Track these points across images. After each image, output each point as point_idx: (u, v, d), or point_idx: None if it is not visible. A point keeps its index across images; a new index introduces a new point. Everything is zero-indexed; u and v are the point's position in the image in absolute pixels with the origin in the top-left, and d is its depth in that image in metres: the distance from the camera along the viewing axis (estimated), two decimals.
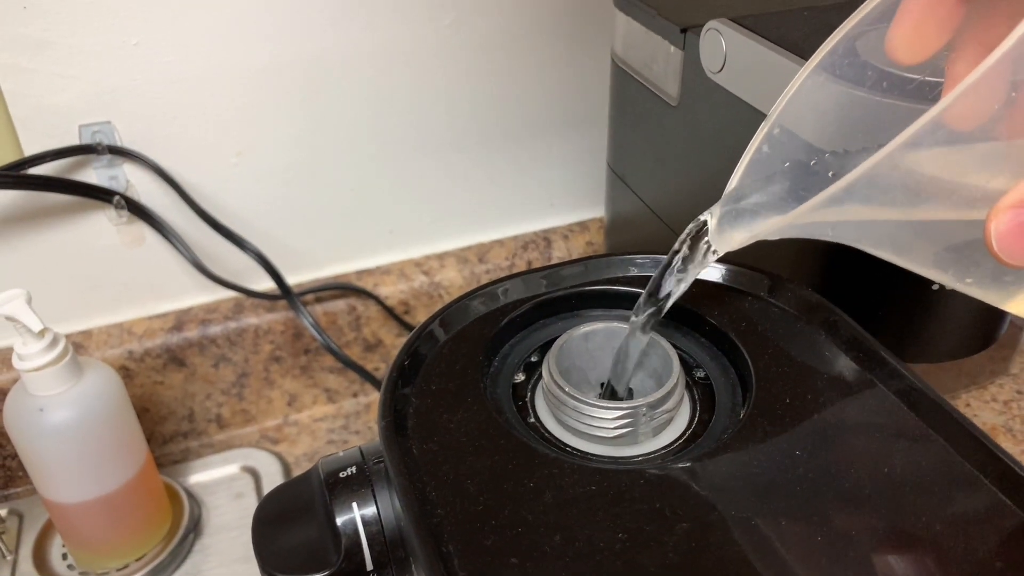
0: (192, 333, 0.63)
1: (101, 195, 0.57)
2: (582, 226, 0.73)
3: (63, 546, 0.57)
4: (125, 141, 0.57)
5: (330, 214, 0.65)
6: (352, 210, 0.65)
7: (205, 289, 0.64)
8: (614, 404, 0.29)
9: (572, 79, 0.66)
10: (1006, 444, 0.63)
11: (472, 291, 0.35)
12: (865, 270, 0.38)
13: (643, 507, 0.26)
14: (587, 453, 0.30)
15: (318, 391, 0.68)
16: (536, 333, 0.35)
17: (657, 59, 0.48)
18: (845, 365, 0.31)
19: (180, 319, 0.63)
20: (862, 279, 0.38)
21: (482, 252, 0.70)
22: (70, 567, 0.56)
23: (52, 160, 0.55)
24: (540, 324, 0.36)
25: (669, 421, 0.31)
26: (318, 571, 0.28)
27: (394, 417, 0.29)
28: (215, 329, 0.63)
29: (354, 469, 0.29)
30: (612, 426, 0.30)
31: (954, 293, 0.37)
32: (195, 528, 0.59)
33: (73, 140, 0.56)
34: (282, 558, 0.28)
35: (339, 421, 0.68)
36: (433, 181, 0.67)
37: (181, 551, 0.57)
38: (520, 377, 0.33)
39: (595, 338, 0.33)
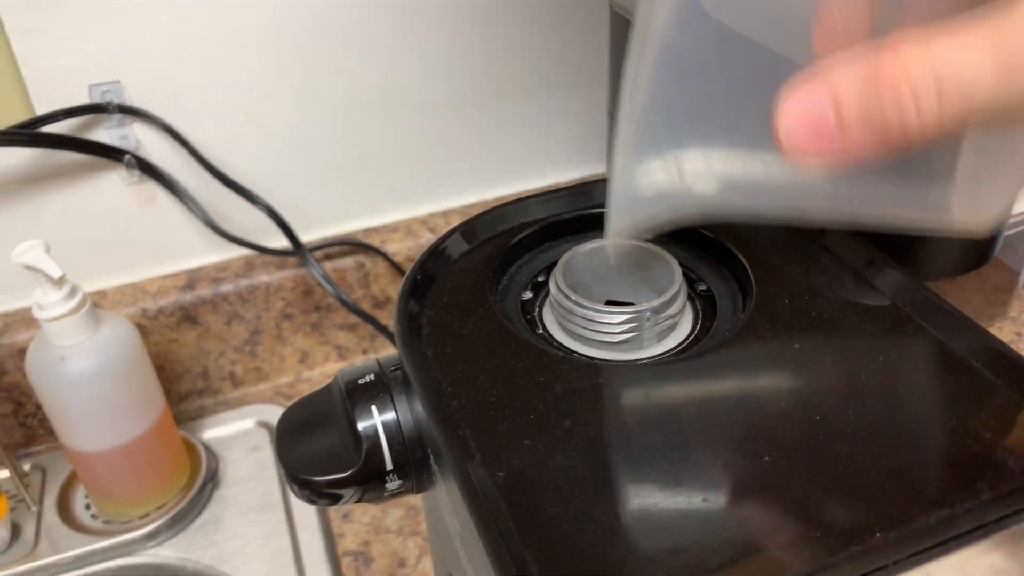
0: (205, 291, 0.64)
1: (112, 154, 0.58)
2: (585, 182, 0.74)
3: (86, 496, 0.58)
4: (134, 100, 0.58)
5: (336, 173, 0.66)
6: (357, 168, 0.66)
7: (216, 248, 0.65)
8: (619, 309, 0.31)
9: (572, 35, 0.67)
10: None
11: (482, 213, 0.36)
12: None
13: (649, 395, 0.27)
14: (593, 358, 0.31)
15: (329, 348, 0.69)
16: (543, 254, 0.37)
17: None
18: (839, 269, 0.32)
19: (192, 278, 0.64)
20: None
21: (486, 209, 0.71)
22: (93, 516, 0.57)
23: (63, 119, 0.56)
24: (547, 246, 0.37)
25: (673, 327, 0.32)
26: (340, 471, 0.29)
27: (408, 323, 0.30)
28: (227, 287, 0.65)
29: (372, 376, 0.30)
30: (617, 331, 0.31)
31: None
32: (213, 479, 0.60)
33: (83, 100, 0.57)
34: (305, 461, 0.30)
35: None
36: (435, 140, 0.68)
37: (200, 500, 0.59)
38: (528, 295, 0.35)
39: (599, 255, 0.34)
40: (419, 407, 0.29)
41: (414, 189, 0.69)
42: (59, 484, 0.59)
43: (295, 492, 0.30)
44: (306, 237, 0.67)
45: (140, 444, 0.55)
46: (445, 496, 0.29)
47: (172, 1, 0.56)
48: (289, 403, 0.67)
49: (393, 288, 0.69)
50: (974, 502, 0.23)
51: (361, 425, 0.30)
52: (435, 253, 0.35)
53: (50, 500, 0.58)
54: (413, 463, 0.30)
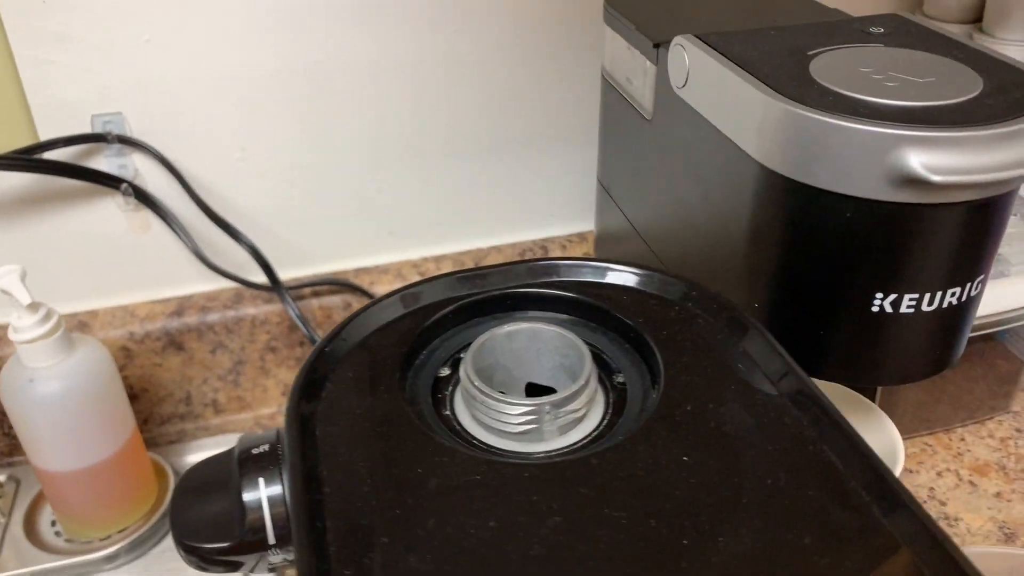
0: (192, 319, 0.65)
1: (110, 182, 0.60)
2: (581, 237, 0.73)
3: (52, 514, 0.60)
4: (135, 132, 0.60)
5: (331, 213, 0.67)
6: (353, 210, 0.67)
7: (207, 278, 0.66)
8: (518, 401, 0.30)
9: (569, 94, 0.67)
10: (997, 481, 0.61)
11: (408, 285, 0.36)
12: (811, 291, 0.38)
13: (521, 498, 0.27)
14: (492, 447, 0.31)
15: None
16: (469, 331, 0.36)
17: (636, 73, 0.49)
18: (754, 376, 0.31)
19: (181, 305, 0.66)
20: (807, 299, 0.38)
21: (479, 257, 0.71)
22: (57, 533, 0.58)
23: (65, 146, 0.58)
24: (475, 322, 0.37)
25: (578, 420, 0.31)
26: (221, 541, 0.29)
27: (300, 400, 0.30)
28: (214, 316, 0.66)
29: (267, 447, 0.31)
30: (516, 422, 0.30)
31: (898, 316, 0.37)
32: None
33: (86, 129, 0.59)
34: (191, 527, 0.30)
35: None
36: (434, 186, 0.68)
37: (163, 526, 0.59)
38: (445, 372, 0.34)
39: (519, 337, 0.34)
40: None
41: (409, 233, 0.70)
42: (30, 498, 0.61)
43: (183, 558, 0.30)
44: (297, 273, 0.68)
45: (105, 467, 0.56)
46: None
47: (175, 40, 0.57)
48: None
49: None
50: None
51: (247, 496, 0.30)
52: (362, 315, 0.35)
53: (19, 514, 0.59)
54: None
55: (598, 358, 0.34)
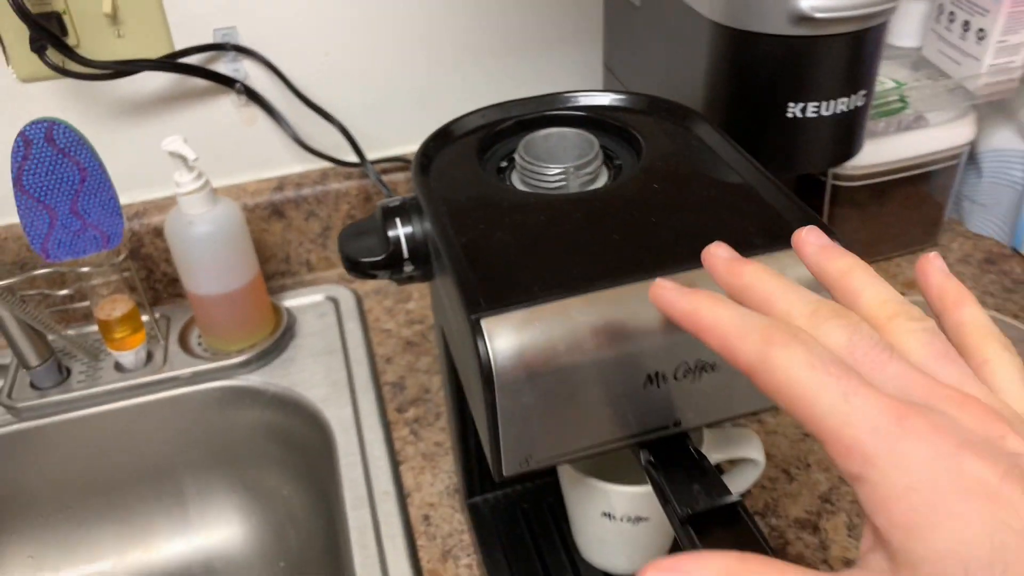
0: (290, 193, 0.84)
1: (227, 82, 0.78)
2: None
3: (199, 336, 0.79)
4: (245, 41, 0.77)
5: (398, 103, 0.84)
6: (414, 100, 0.85)
7: (301, 160, 0.84)
8: (553, 164, 0.48)
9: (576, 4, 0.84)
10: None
11: (479, 109, 0.54)
12: (746, 106, 0.55)
13: (558, 211, 0.44)
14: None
15: None
16: (518, 138, 0.54)
17: None
18: (704, 152, 0.49)
19: (281, 182, 0.84)
20: (745, 112, 0.55)
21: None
22: (204, 349, 0.77)
23: (194, 54, 0.76)
24: (522, 133, 0.54)
25: (593, 179, 0.49)
26: (375, 256, 0.48)
27: (420, 168, 0.48)
28: (307, 191, 0.84)
29: (399, 202, 0.48)
30: (552, 180, 0.48)
31: (806, 120, 0.54)
32: (291, 330, 0.80)
33: (208, 39, 0.76)
34: (355, 251, 0.48)
35: None
36: (473, 83, 0.86)
37: (281, 344, 0.78)
38: (504, 164, 0.52)
39: (551, 137, 0.51)
40: (427, 222, 0.46)
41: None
42: (179, 327, 0.80)
43: (347, 269, 0.49)
44: (371, 155, 0.86)
45: (240, 293, 0.74)
46: (439, 277, 0.47)
47: None
48: (350, 286, 0.86)
49: None
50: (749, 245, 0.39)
51: (390, 232, 0.48)
52: (444, 131, 0.53)
53: (173, 337, 0.79)
54: (421, 257, 0.48)
55: (604, 149, 0.52)
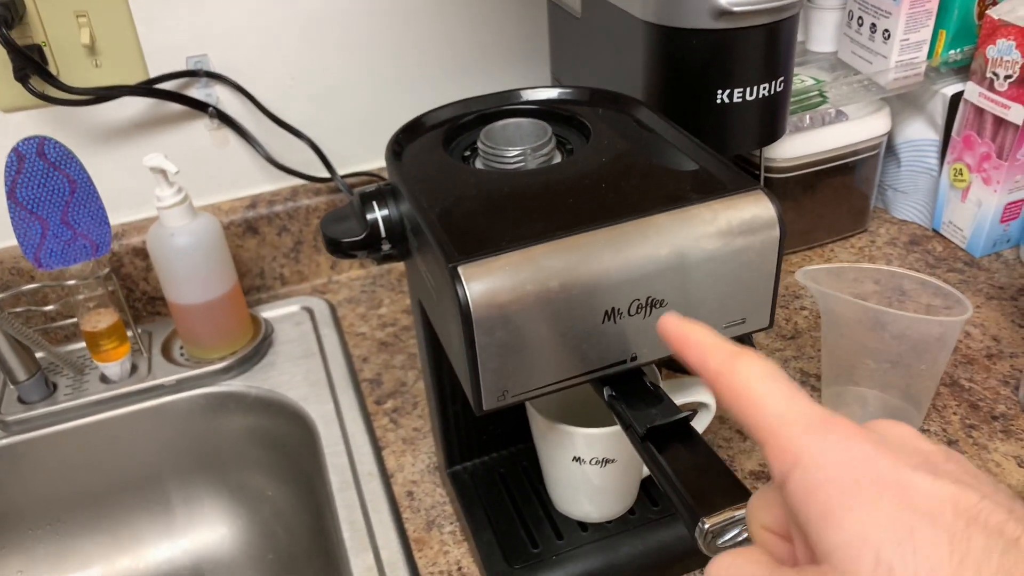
0: (263, 210, 0.88)
1: (200, 106, 0.83)
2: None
3: (180, 347, 0.82)
4: (217, 68, 0.83)
5: (360, 122, 0.90)
6: (376, 120, 0.90)
7: (272, 179, 0.89)
8: (511, 146, 0.54)
9: (522, 23, 0.91)
10: None
11: (444, 105, 0.60)
12: (680, 94, 0.62)
13: (519, 181, 0.50)
14: None
15: None
16: (479, 129, 0.60)
17: None
18: (643, 131, 0.55)
19: (254, 200, 0.88)
20: (678, 100, 0.62)
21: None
22: (185, 358, 0.81)
23: (168, 80, 0.81)
24: (483, 125, 0.60)
25: (548, 161, 0.55)
26: (352, 237, 0.52)
27: (393, 155, 0.53)
28: (279, 207, 0.89)
29: (375, 188, 0.54)
30: (512, 160, 0.54)
31: (733, 105, 0.61)
32: (269, 337, 0.84)
33: (181, 67, 0.81)
34: (336, 232, 0.53)
35: (369, 280, 0.93)
36: (432, 102, 0.92)
37: (261, 350, 0.82)
38: (467, 153, 0.58)
39: (509, 127, 0.57)
40: (403, 204, 0.52)
41: None
42: (161, 340, 0.83)
43: (329, 250, 0.53)
44: (339, 172, 0.91)
45: (220, 302, 0.78)
46: (417, 252, 0.52)
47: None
48: (323, 297, 0.91)
49: None
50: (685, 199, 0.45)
51: (368, 215, 0.53)
52: (413, 124, 0.58)
53: (156, 349, 0.82)
54: (397, 236, 0.53)
55: (556, 136, 0.58)
